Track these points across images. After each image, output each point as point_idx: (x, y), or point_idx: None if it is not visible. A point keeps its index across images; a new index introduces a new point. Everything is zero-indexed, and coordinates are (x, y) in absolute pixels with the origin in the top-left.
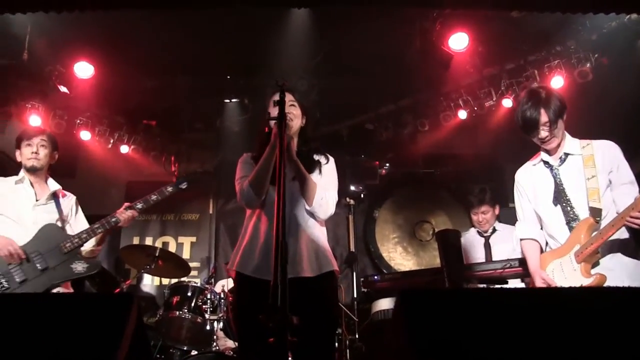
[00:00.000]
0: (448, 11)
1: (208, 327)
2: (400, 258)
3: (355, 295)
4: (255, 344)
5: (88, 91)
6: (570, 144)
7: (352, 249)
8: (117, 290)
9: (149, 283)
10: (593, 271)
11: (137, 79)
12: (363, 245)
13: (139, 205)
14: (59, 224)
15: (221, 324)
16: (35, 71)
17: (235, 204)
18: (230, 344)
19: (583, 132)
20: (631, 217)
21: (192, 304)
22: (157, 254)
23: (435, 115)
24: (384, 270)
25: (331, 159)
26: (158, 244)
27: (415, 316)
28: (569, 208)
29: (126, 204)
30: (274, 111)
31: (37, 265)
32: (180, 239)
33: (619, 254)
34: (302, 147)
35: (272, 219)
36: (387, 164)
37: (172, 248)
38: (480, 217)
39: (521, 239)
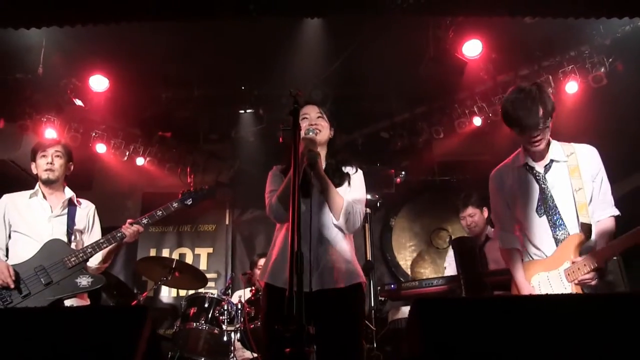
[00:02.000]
0: (461, 18)
1: (225, 338)
2: (417, 266)
3: (372, 304)
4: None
5: (103, 104)
6: (555, 149)
7: (369, 257)
8: (134, 302)
9: (166, 295)
10: (586, 290)
11: (151, 91)
12: (380, 254)
13: (144, 221)
14: (76, 234)
15: (238, 334)
16: (51, 85)
17: (251, 214)
18: (248, 354)
19: (594, 137)
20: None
21: (209, 315)
22: (173, 266)
23: (450, 123)
24: (401, 279)
25: (359, 171)
26: (175, 256)
27: (429, 324)
28: (556, 219)
29: (130, 220)
30: (301, 123)
31: (41, 279)
32: (197, 250)
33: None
34: (330, 159)
35: (304, 233)
36: (403, 172)
37: (188, 259)
38: (468, 220)
39: (504, 249)
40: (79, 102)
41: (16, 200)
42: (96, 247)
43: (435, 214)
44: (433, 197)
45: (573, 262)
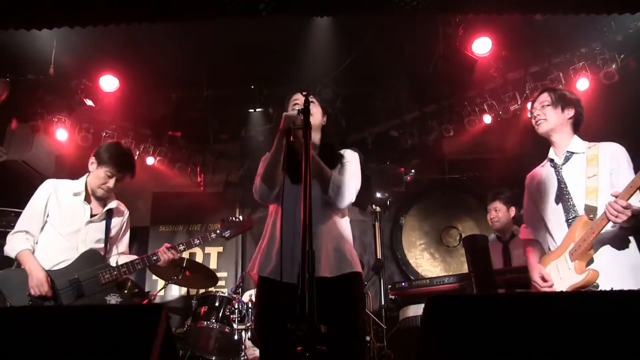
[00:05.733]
0: (471, 16)
1: (236, 337)
2: (427, 264)
3: (383, 303)
4: (275, 345)
5: (113, 104)
6: (576, 143)
7: (379, 256)
8: (145, 301)
9: (177, 294)
10: (586, 268)
11: (161, 91)
12: (390, 252)
13: (182, 247)
14: (110, 242)
15: (249, 333)
16: (62, 85)
17: (261, 213)
18: (259, 353)
19: (606, 134)
20: (607, 208)
21: (220, 314)
22: (184, 265)
23: (459, 121)
24: (411, 277)
25: (354, 154)
26: (185, 255)
27: (444, 323)
28: (569, 206)
29: (167, 244)
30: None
31: (74, 292)
32: (207, 249)
33: (611, 248)
34: (324, 142)
35: (288, 219)
36: (413, 171)
37: (199, 258)
38: (492, 213)
39: (523, 239)
40: (89, 102)
41: (60, 193)
42: (131, 267)
43: (445, 212)
44: (443, 195)
45: (576, 242)
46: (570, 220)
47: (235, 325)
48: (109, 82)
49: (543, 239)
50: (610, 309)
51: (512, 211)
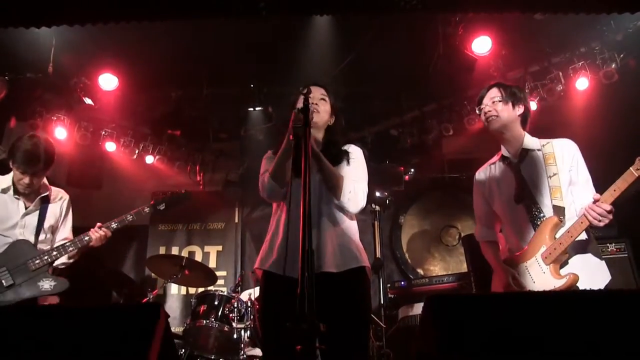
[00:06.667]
0: (470, 15)
1: (235, 336)
2: (426, 263)
3: (382, 302)
4: (277, 341)
5: (113, 103)
6: (529, 141)
7: (379, 255)
8: (145, 300)
9: (176, 293)
10: (563, 272)
11: (161, 90)
12: (389, 252)
13: (114, 225)
14: (46, 232)
15: (248, 332)
16: (61, 84)
17: (260, 212)
18: (258, 352)
19: (606, 133)
20: (588, 211)
21: (219, 313)
22: (183, 264)
23: (459, 120)
24: (411, 276)
25: (359, 150)
26: (184, 254)
27: (443, 321)
28: (532, 206)
29: (99, 224)
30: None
31: (2, 281)
32: (207, 248)
33: (585, 254)
34: (328, 140)
35: (293, 214)
36: (412, 170)
37: (198, 257)
38: None
39: (481, 241)
40: (88, 101)
41: None
42: (62, 250)
43: (444, 211)
44: (443, 194)
45: (550, 245)
46: (536, 221)
47: (234, 324)
48: (108, 81)
49: (499, 238)
50: (611, 309)
51: None
